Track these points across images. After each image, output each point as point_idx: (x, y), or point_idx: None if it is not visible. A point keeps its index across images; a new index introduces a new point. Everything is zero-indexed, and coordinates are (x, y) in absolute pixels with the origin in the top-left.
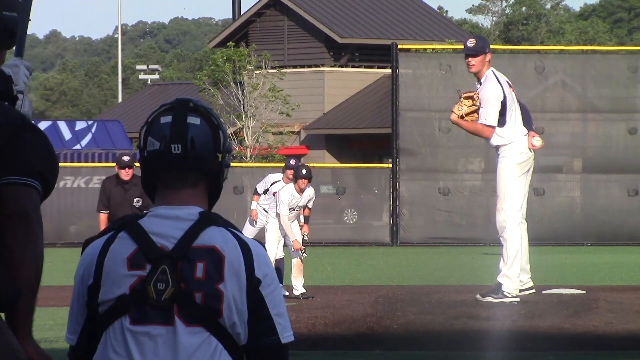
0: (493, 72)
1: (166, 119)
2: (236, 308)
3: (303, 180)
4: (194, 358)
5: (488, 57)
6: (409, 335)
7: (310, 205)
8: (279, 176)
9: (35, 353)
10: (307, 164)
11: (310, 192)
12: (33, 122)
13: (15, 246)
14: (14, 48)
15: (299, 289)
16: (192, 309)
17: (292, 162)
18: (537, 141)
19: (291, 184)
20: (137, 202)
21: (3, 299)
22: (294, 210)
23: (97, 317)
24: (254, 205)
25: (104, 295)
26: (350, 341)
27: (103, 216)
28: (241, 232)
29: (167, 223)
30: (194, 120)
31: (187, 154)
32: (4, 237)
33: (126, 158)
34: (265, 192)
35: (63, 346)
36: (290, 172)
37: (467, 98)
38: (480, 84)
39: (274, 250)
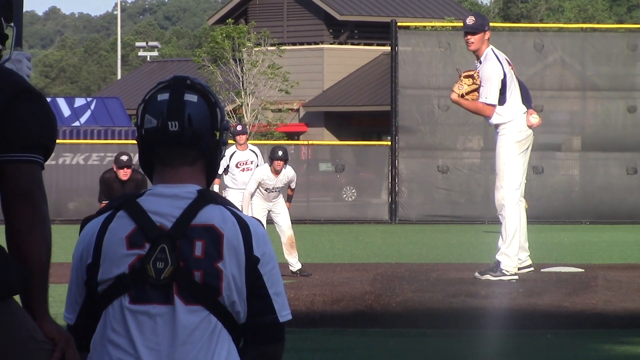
0: (492, 51)
1: (163, 97)
2: (235, 286)
3: (278, 162)
4: (192, 336)
5: (487, 35)
6: (407, 313)
7: (292, 186)
8: (232, 148)
9: (54, 332)
10: (307, 142)
11: (288, 173)
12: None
13: (22, 227)
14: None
15: (294, 265)
16: (191, 287)
17: (239, 127)
18: (535, 118)
19: (267, 165)
20: None
21: (14, 285)
22: (272, 191)
23: (96, 296)
24: (216, 188)
25: (103, 274)
26: (348, 319)
27: (104, 205)
28: (239, 210)
29: (166, 202)
30: (191, 97)
31: (184, 131)
32: (10, 218)
33: (124, 158)
34: (226, 170)
35: (62, 324)
36: (239, 137)
37: (467, 77)
38: (480, 62)
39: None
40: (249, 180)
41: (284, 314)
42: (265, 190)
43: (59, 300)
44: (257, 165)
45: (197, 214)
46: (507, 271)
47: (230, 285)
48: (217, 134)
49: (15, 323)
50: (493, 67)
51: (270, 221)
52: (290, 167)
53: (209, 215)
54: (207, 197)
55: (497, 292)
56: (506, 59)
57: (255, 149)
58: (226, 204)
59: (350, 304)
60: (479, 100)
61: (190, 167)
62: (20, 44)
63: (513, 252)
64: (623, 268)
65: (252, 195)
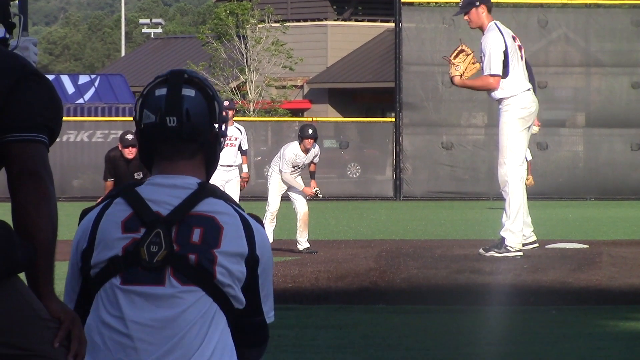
0: (495, 24)
1: (161, 92)
2: (230, 273)
3: (309, 140)
4: (185, 315)
5: (482, 9)
6: (412, 290)
7: (316, 160)
8: None
9: (60, 311)
10: (311, 118)
11: (315, 150)
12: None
13: (29, 206)
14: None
15: (303, 243)
16: (186, 270)
17: (226, 103)
18: (533, 129)
19: (296, 143)
20: (138, 175)
21: (19, 263)
22: (299, 168)
23: (89, 280)
24: None
25: (96, 257)
26: (353, 295)
27: (109, 184)
28: (241, 207)
29: (164, 191)
30: (189, 92)
31: (182, 126)
32: (16, 197)
33: (130, 137)
34: None
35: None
36: (232, 113)
37: (456, 56)
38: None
39: (276, 203)
40: (280, 162)
41: (271, 315)
42: (294, 167)
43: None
44: (241, 143)
45: (198, 204)
46: (511, 247)
47: (225, 270)
48: (216, 127)
49: (21, 301)
50: (493, 37)
51: (285, 198)
52: (317, 144)
53: (211, 207)
54: (208, 190)
55: (502, 268)
56: (512, 35)
57: (241, 127)
58: (227, 199)
59: (354, 280)
60: (484, 74)
61: (190, 161)
62: (25, 28)
63: (517, 229)
64: (627, 244)
65: (288, 175)
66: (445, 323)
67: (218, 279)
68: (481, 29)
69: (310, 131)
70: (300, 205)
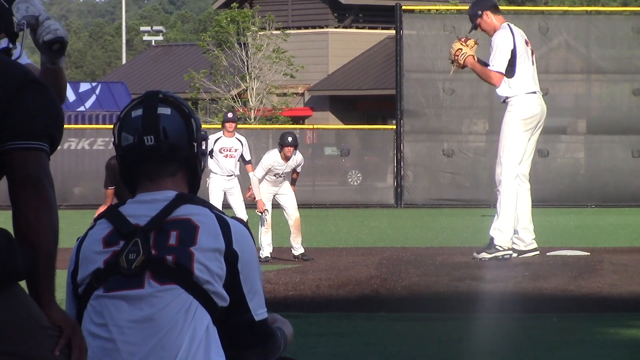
0: (508, 25)
1: (137, 112)
2: (209, 269)
3: (289, 148)
4: (166, 312)
5: (487, 15)
6: (413, 297)
7: (298, 169)
8: (219, 134)
9: (61, 319)
10: (312, 126)
11: (297, 158)
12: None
13: (29, 213)
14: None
15: (297, 249)
16: (164, 270)
17: (230, 115)
18: None
19: (276, 150)
20: None
21: (20, 271)
22: (279, 176)
23: (79, 299)
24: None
25: (81, 274)
26: (354, 303)
27: (110, 191)
28: (223, 213)
29: (144, 205)
30: (165, 110)
31: (160, 144)
32: (17, 204)
33: None
34: (211, 154)
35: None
36: (228, 125)
37: (466, 41)
38: None
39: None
40: (257, 167)
41: (260, 313)
42: (274, 175)
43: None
44: (242, 155)
45: (174, 211)
46: (500, 247)
47: (203, 266)
48: (195, 144)
49: (21, 309)
50: (502, 35)
51: (276, 205)
52: (299, 152)
53: (187, 210)
54: (185, 198)
55: (503, 275)
56: (525, 38)
57: (242, 138)
58: (205, 204)
59: (356, 288)
60: (487, 68)
61: (171, 178)
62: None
63: (506, 227)
64: (629, 251)
65: (260, 181)
66: (446, 331)
67: (196, 275)
68: (494, 32)
69: (290, 139)
70: (291, 212)
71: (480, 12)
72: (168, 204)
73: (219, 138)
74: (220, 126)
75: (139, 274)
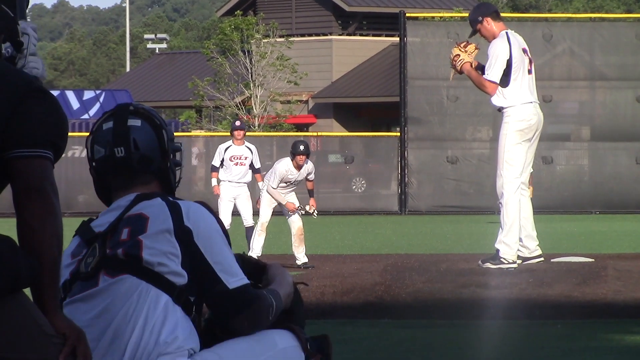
0: (507, 33)
1: (108, 125)
2: (159, 250)
3: (301, 156)
4: (117, 300)
5: (487, 21)
6: (417, 304)
7: (311, 177)
8: (228, 142)
9: (65, 327)
10: (316, 133)
11: (308, 167)
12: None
13: (34, 221)
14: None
15: (300, 258)
16: (115, 264)
17: (237, 123)
18: None
19: (288, 159)
20: None
21: (24, 279)
22: (291, 184)
23: None
24: (214, 182)
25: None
26: (359, 310)
27: None
28: (181, 199)
29: (110, 214)
30: (135, 122)
31: (131, 155)
32: (22, 213)
33: None
34: (222, 163)
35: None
36: (237, 133)
37: (466, 46)
38: None
39: (266, 215)
40: (270, 176)
41: (233, 281)
42: (285, 183)
43: None
44: (252, 163)
45: (130, 210)
46: (505, 260)
47: (154, 249)
48: (168, 155)
49: (25, 317)
50: (499, 45)
51: (279, 212)
52: (310, 161)
53: (140, 206)
54: (142, 196)
55: (507, 282)
56: (523, 47)
57: (252, 146)
58: (162, 197)
59: (360, 295)
60: (483, 76)
61: (144, 187)
62: (24, 16)
63: (512, 240)
64: (633, 258)
65: (274, 189)
66: (451, 337)
67: (145, 259)
68: (495, 38)
69: (302, 147)
70: (294, 220)
71: (480, 18)
72: (127, 205)
73: (229, 146)
74: (228, 134)
75: (94, 275)
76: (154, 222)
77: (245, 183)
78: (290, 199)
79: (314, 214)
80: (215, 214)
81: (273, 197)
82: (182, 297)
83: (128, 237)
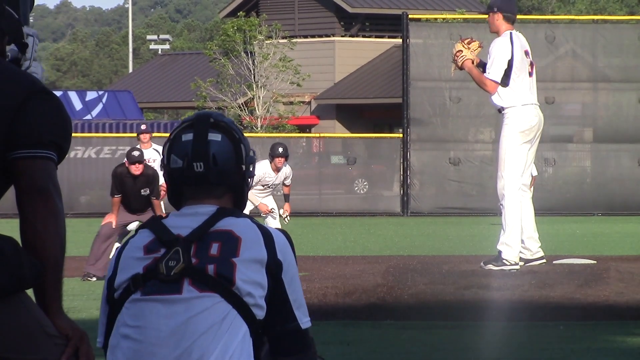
0: (511, 33)
1: (187, 137)
2: (251, 279)
3: (280, 158)
4: (201, 317)
5: (498, 16)
6: (419, 305)
7: (288, 182)
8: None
9: (68, 328)
10: (319, 134)
11: (286, 170)
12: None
13: (37, 222)
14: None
15: None
16: (204, 279)
17: (143, 127)
18: None
19: (267, 161)
20: (145, 191)
21: (27, 280)
22: (268, 187)
23: (114, 304)
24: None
25: (118, 280)
26: (361, 311)
27: (116, 199)
28: (266, 226)
29: (187, 218)
30: (215, 136)
31: (209, 170)
32: (25, 213)
33: (136, 153)
34: None
35: (74, 317)
36: (142, 136)
37: (469, 43)
38: None
39: None
40: None
41: (305, 321)
42: (262, 186)
43: (71, 294)
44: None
45: (216, 223)
46: (507, 261)
47: (245, 277)
48: (243, 167)
49: (28, 317)
50: (501, 44)
51: (256, 215)
52: (288, 165)
53: (228, 223)
54: (227, 211)
55: (509, 284)
56: (524, 48)
57: (159, 148)
58: (246, 216)
59: (362, 296)
60: (484, 75)
61: (217, 200)
62: (27, 22)
63: (514, 242)
64: (635, 259)
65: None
66: (452, 339)
67: (237, 285)
68: (497, 34)
69: (280, 149)
70: (270, 222)
71: (495, 9)
72: (210, 216)
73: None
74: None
75: (177, 281)
76: (247, 247)
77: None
78: (268, 201)
79: (287, 219)
80: (293, 246)
81: (249, 200)
82: (257, 330)
83: (218, 253)
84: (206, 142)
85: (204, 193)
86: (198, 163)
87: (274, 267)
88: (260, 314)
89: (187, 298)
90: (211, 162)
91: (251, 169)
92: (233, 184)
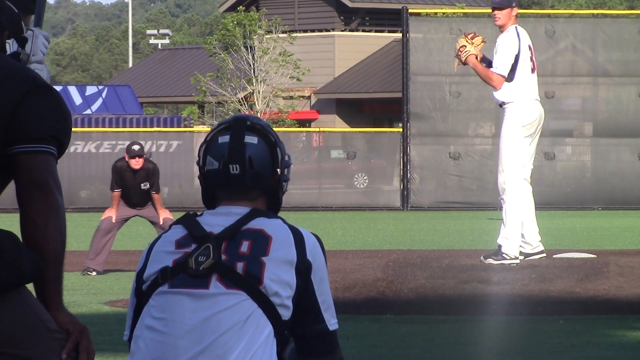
0: (516, 28)
1: (224, 139)
2: (279, 279)
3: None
4: (226, 314)
5: (514, 11)
6: (419, 300)
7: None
8: None
9: (68, 322)
10: (319, 129)
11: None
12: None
13: (37, 217)
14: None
15: None
16: (232, 276)
17: (136, 147)
18: None
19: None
20: (145, 185)
21: (27, 274)
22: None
23: (142, 296)
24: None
25: (148, 272)
26: (361, 305)
27: (116, 194)
28: (298, 227)
29: (220, 217)
30: (252, 139)
31: (245, 173)
32: (25, 208)
33: (136, 147)
34: None
35: (74, 311)
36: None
37: (473, 38)
38: None
39: None
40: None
41: (333, 323)
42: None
43: (71, 289)
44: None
45: (248, 223)
46: (507, 255)
47: (274, 276)
48: (279, 171)
49: (28, 312)
50: (509, 39)
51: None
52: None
53: (260, 222)
54: (260, 212)
55: (509, 278)
56: (528, 43)
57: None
58: (278, 217)
59: (362, 290)
60: (490, 70)
61: (251, 202)
62: (40, 24)
63: (514, 236)
64: (635, 254)
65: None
66: (452, 333)
67: (265, 284)
68: (502, 28)
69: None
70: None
71: (515, 4)
72: (243, 216)
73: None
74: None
75: (205, 276)
76: (277, 246)
77: None
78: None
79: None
80: (323, 247)
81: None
82: (282, 331)
83: (248, 251)
84: (243, 144)
85: (238, 195)
86: (234, 165)
87: (303, 268)
88: (286, 314)
89: (214, 294)
90: (247, 165)
91: (286, 173)
92: (268, 187)
